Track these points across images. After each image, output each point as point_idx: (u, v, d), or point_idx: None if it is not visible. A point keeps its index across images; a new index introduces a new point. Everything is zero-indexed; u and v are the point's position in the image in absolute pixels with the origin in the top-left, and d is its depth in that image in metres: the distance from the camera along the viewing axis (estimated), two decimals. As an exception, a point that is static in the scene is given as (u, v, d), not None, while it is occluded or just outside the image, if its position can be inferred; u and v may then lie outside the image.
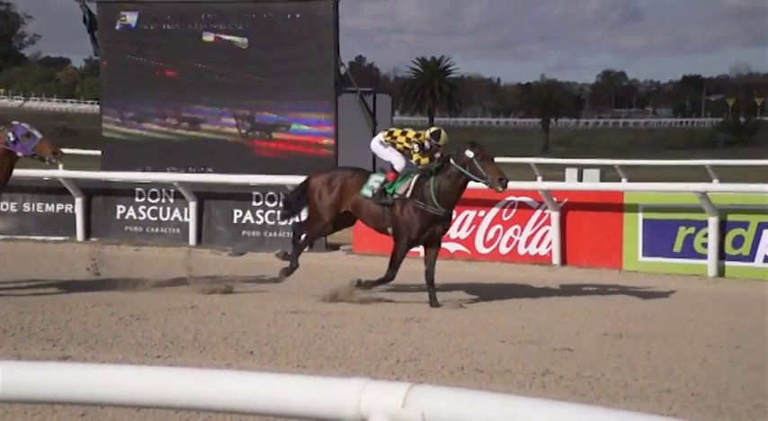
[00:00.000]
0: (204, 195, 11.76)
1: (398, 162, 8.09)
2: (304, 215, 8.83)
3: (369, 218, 8.17)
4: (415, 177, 7.92)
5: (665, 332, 6.79)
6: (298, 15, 12.92)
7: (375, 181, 8.02)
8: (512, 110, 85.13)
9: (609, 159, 20.78)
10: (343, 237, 11.31)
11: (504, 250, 10.44)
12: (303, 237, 8.54)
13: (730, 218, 9.39)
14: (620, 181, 15.64)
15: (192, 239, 11.58)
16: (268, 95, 13.05)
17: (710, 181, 14.95)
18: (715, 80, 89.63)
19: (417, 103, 64.92)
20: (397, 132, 8.29)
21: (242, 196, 11.68)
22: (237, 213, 11.65)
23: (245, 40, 13.04)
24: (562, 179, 16.94)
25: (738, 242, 9.32)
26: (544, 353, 6.02)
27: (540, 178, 16.83)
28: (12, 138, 7.53)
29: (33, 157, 7.74)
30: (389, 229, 8.04)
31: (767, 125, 64.62)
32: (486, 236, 10.51)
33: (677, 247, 9.57)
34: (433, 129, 8.32)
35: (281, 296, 8.17)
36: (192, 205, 11.64)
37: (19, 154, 7.62)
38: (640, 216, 9.75)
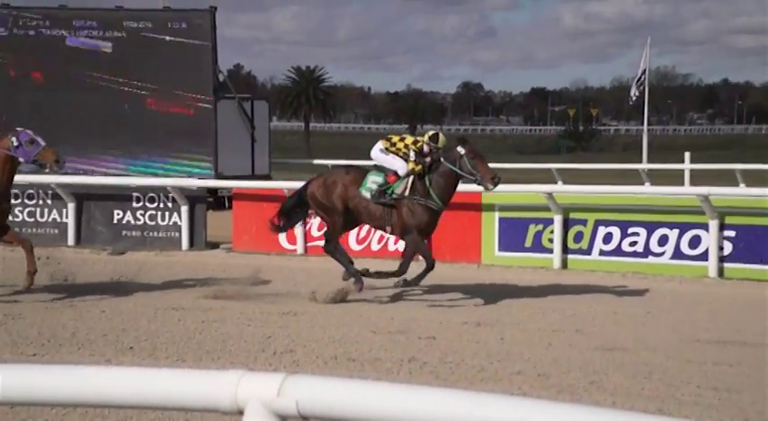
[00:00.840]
0: (83, 196, 11.25)
1: (401, 167, 7.73)
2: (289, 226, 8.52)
3: (367, 216, 7.90)
4: (411, 177, 7.71)
5: (516, 319, 7.04)
6: (177, 25, 12.57)
7: (372, 181, 7.76)
8: (381, 116, 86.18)
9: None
10: (224, 236, 11.10)
11: (375, 247, 10.55)
12: (336, 244, 8.02)
13: (572, 215, 9.79)
14: (477, 183, 16.09)
15: (70, 240, 11.07)
16: (148, 102, 12.62)
17: (555, 183, 15.62)
18: (558, 92, 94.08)
19: (294, 109, 64.56)
20: (395, 139, 7.99)
21: (122, 197, 11.25)
22: (118, 214, 11.20)
23: (124, 47, 12.57)
24: (426, 181, 17.24)
25: (579, 237, 9.75)
26: (411, 342, 6.12)
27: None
28: (15, 144, 7.18)
29: (34, 163, 7.41)
30: (388, 228, 7.81)
31: (602, 133, 68.41)
32: (358, 234, 10.63)
33: (528, 243, 9.94)
34: (431, 132, 8.02)
35: (161, 293, 7.91)
36: (71, 206, 11.11)
37: (21, 160, 7.30)
38: (496, 214, 10.07)
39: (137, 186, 11.24)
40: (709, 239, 9.02)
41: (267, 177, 14.61)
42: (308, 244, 10.83)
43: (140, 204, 11.19)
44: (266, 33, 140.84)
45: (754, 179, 14.52)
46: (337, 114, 75.19)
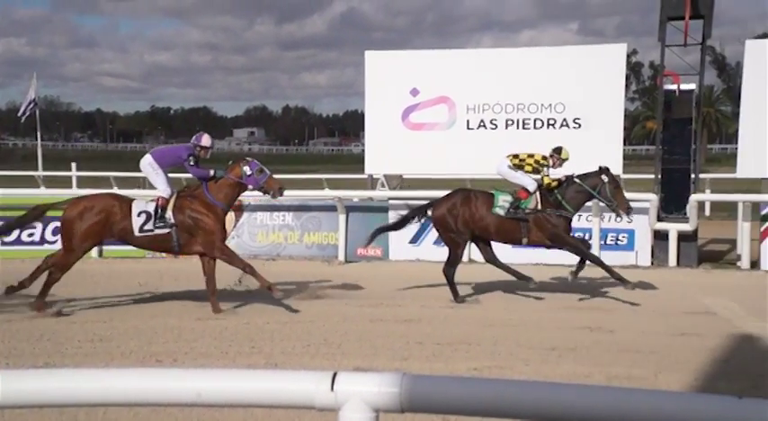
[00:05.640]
0: None
1: (531, 183, 6.73)
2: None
3: (498, 233, 6.76)
4: (538, 193, 6.72)
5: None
6: None
7: (503, 200, 6.73)
8: None
9: None
10: None
11: None
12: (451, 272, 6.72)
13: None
14: None
15: None
16: None
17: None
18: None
19: None
20: (523, 155, 6.84)
21: None
22: None
23: None
24: None
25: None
26: None
27: None
28: (248, 172, 6.23)
29: (260, 190, 6.30)
30: (524, 240, 6.72)
31: (2, 146, 61.26)
32: None
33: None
34: (556, 145, 6.98)
35: None
36: None
37: (249, 187, 6.28)
38: None
39: None
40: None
41: None
42: None
43: None
44: None
45: (121, 183, 15.26)
46: None
